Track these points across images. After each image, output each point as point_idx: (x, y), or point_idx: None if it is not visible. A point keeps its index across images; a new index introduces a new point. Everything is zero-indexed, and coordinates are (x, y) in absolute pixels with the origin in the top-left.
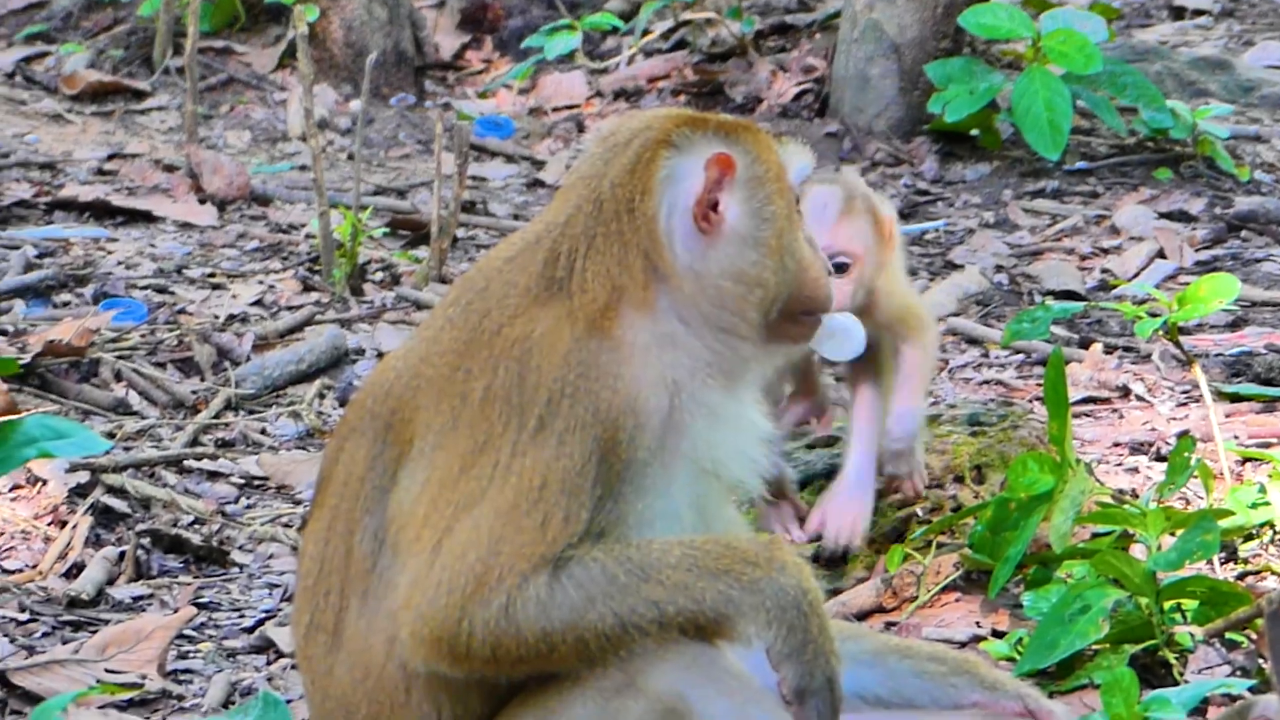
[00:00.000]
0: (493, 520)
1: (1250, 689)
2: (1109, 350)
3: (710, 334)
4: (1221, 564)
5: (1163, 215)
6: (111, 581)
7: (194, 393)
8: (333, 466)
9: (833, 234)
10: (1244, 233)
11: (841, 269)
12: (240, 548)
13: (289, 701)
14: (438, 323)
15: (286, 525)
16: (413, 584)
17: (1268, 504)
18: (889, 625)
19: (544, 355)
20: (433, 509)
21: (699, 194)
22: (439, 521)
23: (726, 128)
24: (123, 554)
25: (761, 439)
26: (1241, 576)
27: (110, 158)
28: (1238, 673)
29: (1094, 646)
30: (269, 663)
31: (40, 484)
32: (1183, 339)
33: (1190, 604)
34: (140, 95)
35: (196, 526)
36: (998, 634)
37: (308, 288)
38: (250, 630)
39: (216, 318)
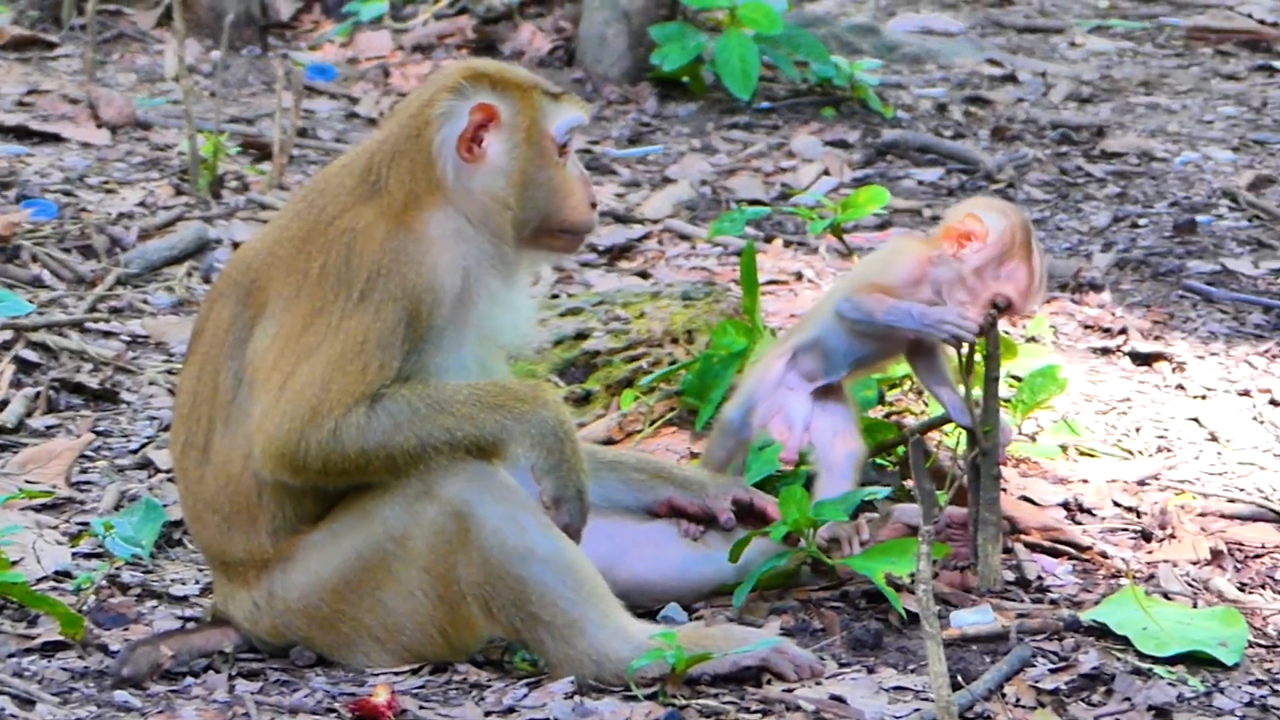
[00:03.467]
0: (325, 367)
1: (888, 498)
2: (786, 244)
3: (486, 236)
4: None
5: (828, 143)
6: (30, 414)
7: (92, 271)
8: (204, 322)
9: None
10: (889, 156)
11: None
12: (128, 389)
13: (164, 506)
14: (289, 214)
15: (164, 373)
16: (263, 414)
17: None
18: None
19: (365, 242)
20: (279, 356)
21: (462, 130)
22: (284, 367)
23: (503, 83)
24: (38, 393)
25: (528, 318)
26: (888, 415)
27: (28, 93)
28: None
29: None
30: (150, 477)
31: None
32: (843, 237)
33: None
34: (51, 46)
35: (94, 373)
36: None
37: (179, 192)
38: (135, 452)
39: (110, 215)
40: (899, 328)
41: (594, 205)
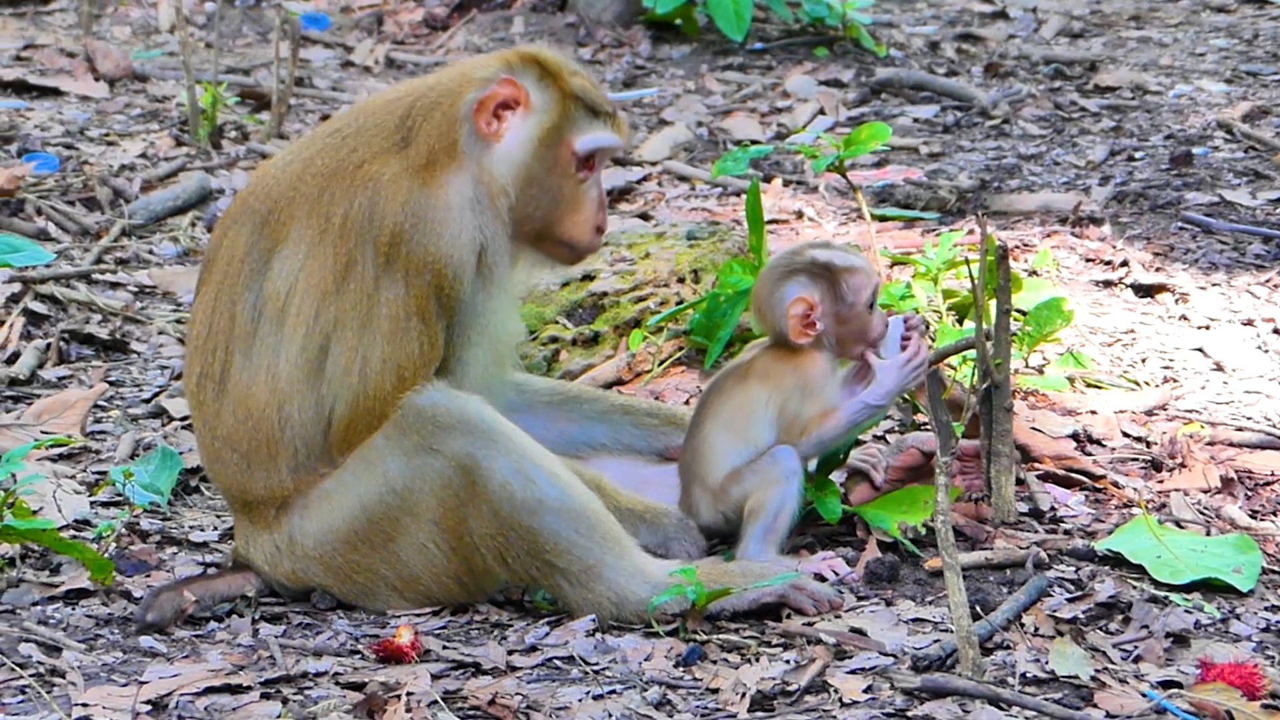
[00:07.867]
0: (382, 346)
1: (902, 430)
2: (786, 184)
3: (496, 211)
4: None
5: (822, 83)
6: (41, 365)
7: (97, 223)
8: (216, 250)
9: None
10: (883, 95)
11: None
12: (137, 339)
13: (180, 453)
14: (316, 145)
15: (173, 323)
16: (346, 404)
17: (912, 295)
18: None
19: (389, 199)
20: (314, 313)
21: (484, 98)
22: (319, 327)
23: (550, 77)
24: (49, 345)
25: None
26: None
27: (25, 48)
28: (898, 420)
29: None
30: (164, 425)
31: None
32: (846, 174)
33: None
34: (46, 0)
35: (104, 324)
36: None
37: (179, 143)
38: (148, 401)
39: (111, 167)
40: (864, 421)
41: (600, 230)
